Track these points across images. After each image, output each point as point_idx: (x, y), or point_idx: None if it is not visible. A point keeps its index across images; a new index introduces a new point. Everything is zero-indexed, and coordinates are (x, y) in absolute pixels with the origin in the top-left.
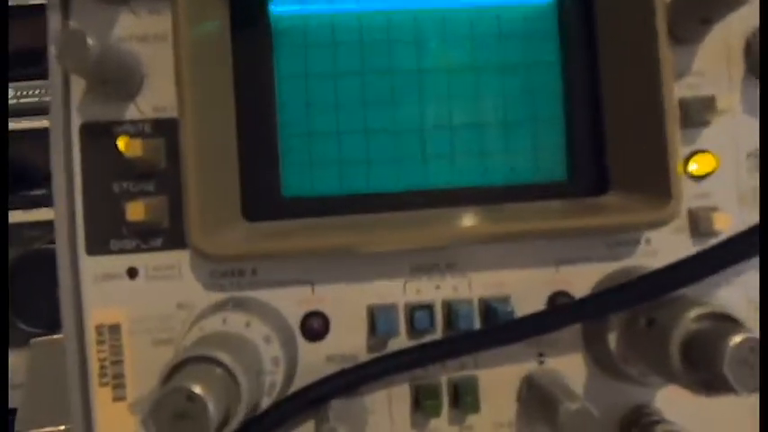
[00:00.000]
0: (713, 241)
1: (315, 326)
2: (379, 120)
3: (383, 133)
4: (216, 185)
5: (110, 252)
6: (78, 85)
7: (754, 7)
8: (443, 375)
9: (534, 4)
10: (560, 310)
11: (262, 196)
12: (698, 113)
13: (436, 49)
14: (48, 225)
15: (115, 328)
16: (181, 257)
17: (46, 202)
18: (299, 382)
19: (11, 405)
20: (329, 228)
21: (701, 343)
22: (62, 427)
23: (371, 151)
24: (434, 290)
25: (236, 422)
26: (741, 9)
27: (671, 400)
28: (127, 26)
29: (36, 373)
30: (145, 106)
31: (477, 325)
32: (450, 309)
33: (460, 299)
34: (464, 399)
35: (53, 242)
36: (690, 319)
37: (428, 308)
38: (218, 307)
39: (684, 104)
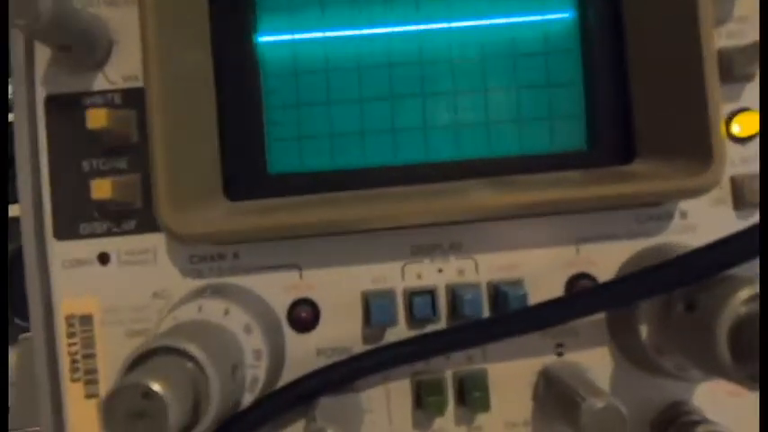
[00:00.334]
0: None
1: (303, 315)
2: (374, 87)
3: (379, 101)
4: (190, 160)
5: (79, 236)
6: (43, 55)
7: None
8: (448, 369)
9: None
10: (583, 296)
11: (245, 173)
12: (741, 66)
13: (438, 7)
14: None
15: (86, 319)
16: (156, 241)
17: None
18: (287, 379)
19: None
20: (319, 204)
21: (754, 329)
22: None
23: (366, 121)
24: (437, 273)
25: (207, 421)
26: None
27: (714, 397)
28: None
29: (24, 370)
30: (114, 75)
31: (485, 312)
32: (454, 294)
33: (466, 283)
34: (472, 395)
35: None
36: (739, 301)
37: (430, 293)
38: (196, 294)
39: (725, 56)
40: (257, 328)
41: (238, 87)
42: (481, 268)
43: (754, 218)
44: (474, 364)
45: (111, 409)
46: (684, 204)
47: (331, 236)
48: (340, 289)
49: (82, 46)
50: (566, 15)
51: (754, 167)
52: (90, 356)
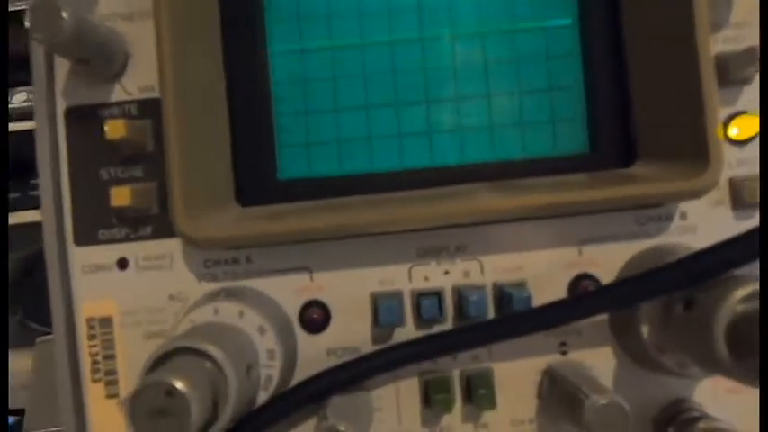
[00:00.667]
0: (759, 214)
1: (314, 316)
2: (380, 93)
3: (384, 108)
4: (204, 168)
5: (98, 242)
6: (63, 68)
7: None
8: (455, 368)
9: None
10: (585, 298)
11: (256, 179)
12: (737, 70)
13: (440, 15)
14: None
15: (106, 322)
16: (172, 246)
17: None
18: (299, 378)
19: (23, 405)
20: (328, 208)
21: (750, 326)
22: None
23: (372, 127)
24: (443, 275)
25: (225, 418)
26: None
27: (714, 394)
28: (109, 4)
29: (41, 373)
30: (131, 87)
31: (490, 313)
32: (460, 295)
33: (472, 284)
34: (478, 393)
35: None
36: (736, 299)
37: (436, 295)
38: (211, 297)
39: (722, 60)
40: (271, 330)
41: (249, 96)
42: (486, 270)
43: (753, 218)
44: (480, 362)
45: (135, 406)
46: (684, 206)
47: (340, 239)
48: (349, 291)
49: (100, 59)
50: (566, 21)
51: (752, 169)
52: (110, 357)
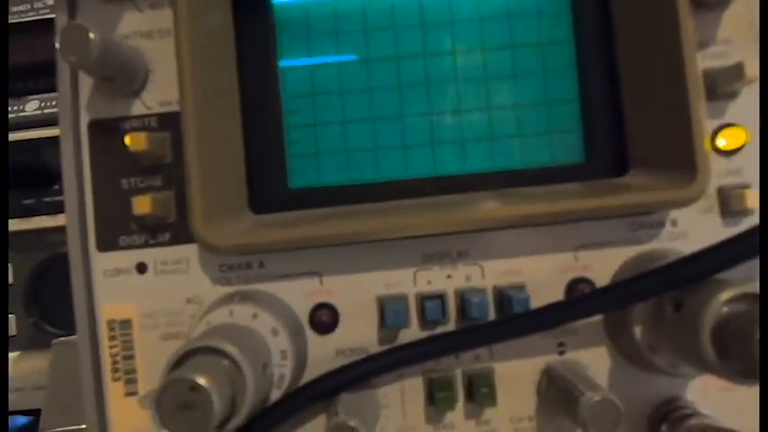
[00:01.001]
0: (746, 220)
1: (324, 318)
2: (386, 106)
3: (390, 120)
4: (220, 177)
5: (119, 248)
6: (86, 84)
7: None
8: (458, 368)
9: None
10: (581, 300)
11: (268, 188)
12: (725, 84)
13: (443, 32)
14: None
15: (126, 323)
16: (189, 252)
17: None
18: (309, 376)
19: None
20: (337, 216)
21: (735, 327)
22: (83, 426)
23: (378, 138)
24: (446, 279)
25: (243, 414)
26: None
27: (705, 392)
28: (131, 23)
29: (57, 373)
30: (150, 101)
31: (491, 315)
32: (462, 298)
33: (473, 288)
34: (479, 391)
35: None
36: (721, 301)
37: (440, 298)
38: (226, 300)
39: (710, 75)
40: (283, 331)
41: (261, 108)
42: (487, 274)
43: (740, 225)
44: (481, 362)
45: (162, 401)
46: (675, 213)
47: (349, 245)
48: (357, 294)
49: (123, 76)
50: (563, 38)
51: (739, 179)
52: (129, 358)
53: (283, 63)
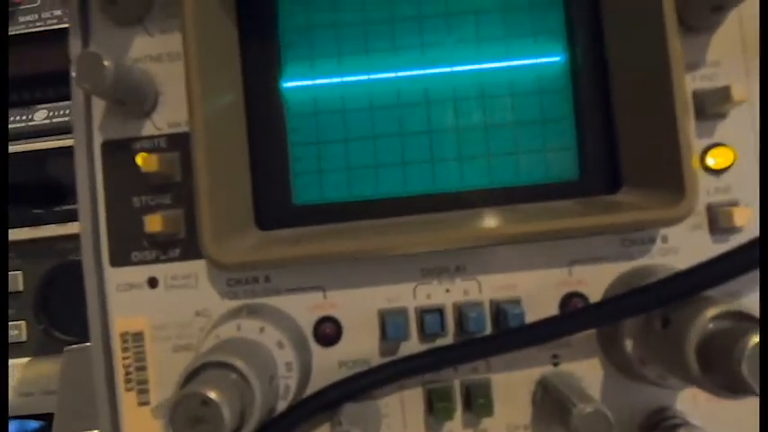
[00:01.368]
0: (734, 237)
1: (327, 331)
2: (386, 125)
3: (390, 138)
4: (228, 196)
5: (131, 263)
6: (99, 106)
7: None
8: (456, 379)
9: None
10: (574, 315)
11: (273, 205)
12: (713, 105)
13: (441, 51)
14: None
15: (138, 336)
16: (198, 267)
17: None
18: (313, 387)
19: (49, 410)
20: (340, 233)
21: (719, 344)
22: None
23: (379, 156)
24: (444, 293)
25: (251, 425)
26: None
27: (695, 402)
28: (141, 47)
29: (69, 380)
30: (160, 122)
31: (488, 328)
32: (460, 312)
33: (471, 302)
34: (477, 402)
35: None
36: (706, 318)
37: (438, 311)
38: (233, 314)
39: (699, 96)
40: (288, 344)
41: (266, 127)
42: (484, 288)
43: (728, 242)
44: (479, 373)
45: (174, 415)
46: (666, 230)
47: (351, 261)
48: (359, 308)
49: (134, 99)
50: (557, 59)
51: (728, 196)
52: (141, 369)
53: (287, 83)
